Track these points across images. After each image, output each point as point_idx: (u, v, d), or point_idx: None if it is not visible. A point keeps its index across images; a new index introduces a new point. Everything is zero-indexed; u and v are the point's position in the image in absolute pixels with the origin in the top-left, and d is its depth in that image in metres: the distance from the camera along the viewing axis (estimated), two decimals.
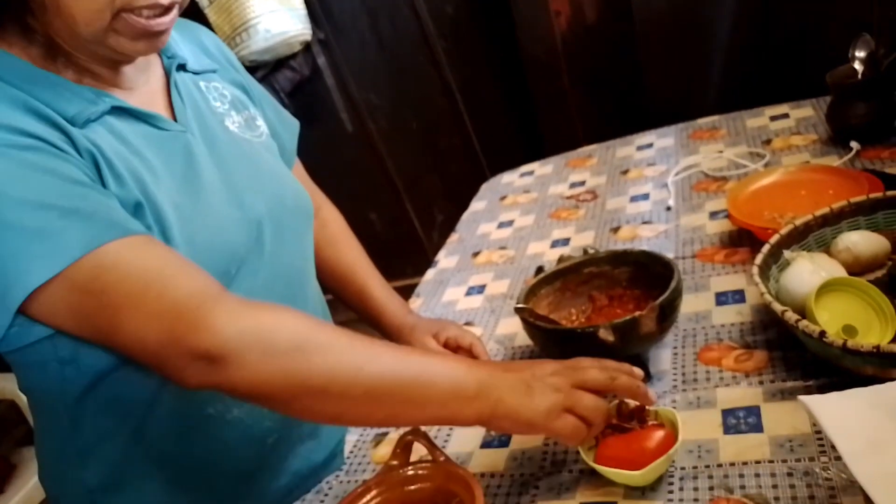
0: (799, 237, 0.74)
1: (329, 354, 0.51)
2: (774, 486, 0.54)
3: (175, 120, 0.63)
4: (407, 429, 0.63)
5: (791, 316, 0.60)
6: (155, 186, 0.58)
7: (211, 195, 0.62)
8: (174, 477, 0.65)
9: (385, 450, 0.74)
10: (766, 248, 0.71)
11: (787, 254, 0.71)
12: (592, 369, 0.56)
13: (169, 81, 0.65)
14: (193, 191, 0.61)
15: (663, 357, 0.73)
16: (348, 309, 0.87)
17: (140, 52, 0.58)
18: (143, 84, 0.63)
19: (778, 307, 0.62)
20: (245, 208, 0.65)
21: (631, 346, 0.67)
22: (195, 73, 0.69)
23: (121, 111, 0.59)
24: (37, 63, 0.56)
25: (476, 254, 1.11)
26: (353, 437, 0.79)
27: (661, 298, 0.66)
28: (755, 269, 0.68)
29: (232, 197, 0.64)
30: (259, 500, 0.69)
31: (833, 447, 0.48)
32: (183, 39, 0.70)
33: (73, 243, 0.49)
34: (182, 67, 0.67)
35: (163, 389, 0.60)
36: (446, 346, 0.80)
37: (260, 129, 0.74)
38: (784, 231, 0.73)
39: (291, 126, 0.82)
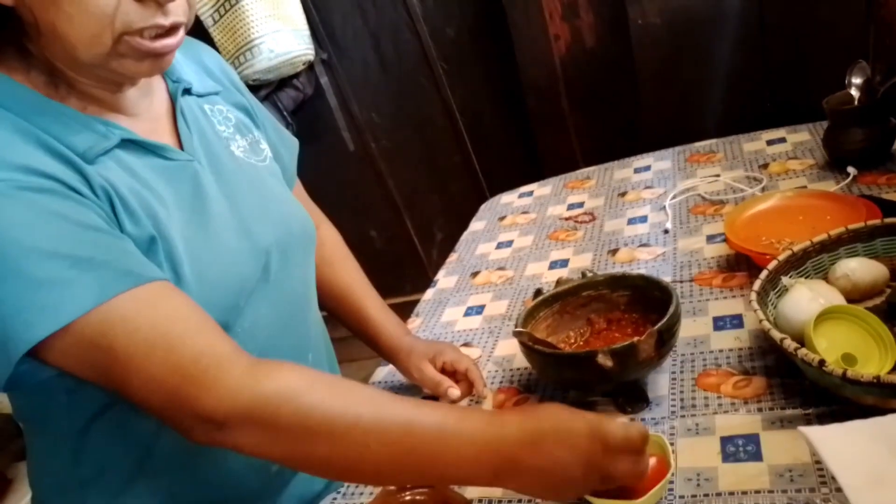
0: (797, 263, 0.74)
1: (335, 434, 0.49)
2: None
3: (181, 148, 0.62)
4: None
5: (790, 344, 0.60)
6: (167, 221, 0.57)
7: (220, 227, 0.61)
8: None
9: None
10: (763, 274, 0.71)
11: (785, 281, 0.71)
12: (623, 461, 0.51)
13: (174, 106, 0.64)
14: (202, 223, 0.60)
15: (661, 382, 0.72)
16: (344, 327, 0.87)
17: (144, 73, 0.57)
18: (146, 109, 0.62)
19: (777, 335, 0.61)
20: (254, 238, 0.64)
21: (629, 372, 0.67)
22: (199, 95, 0.68)
23: (129, 143, 0.58)
24: (40, 90, 0.54)
25: (475, 274, 1.11)
26: None
27: (660, 324, 0.66)
28: (753, 296, 0.68)
29: (240, 227, 0.63)
30: None
31: (833, 479, 0.47)
32: (186, 59, 0.69)
33: (83, 295, 0.48)
34: (187, 91, 0.66)
35: None
36: (443, 370, 0.79)
37: (264, 152, 0.73)
38: (782, 257, 0.73)
39: (292, 147, 0.82)
